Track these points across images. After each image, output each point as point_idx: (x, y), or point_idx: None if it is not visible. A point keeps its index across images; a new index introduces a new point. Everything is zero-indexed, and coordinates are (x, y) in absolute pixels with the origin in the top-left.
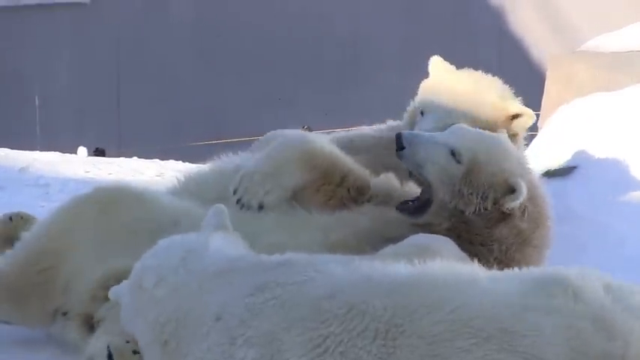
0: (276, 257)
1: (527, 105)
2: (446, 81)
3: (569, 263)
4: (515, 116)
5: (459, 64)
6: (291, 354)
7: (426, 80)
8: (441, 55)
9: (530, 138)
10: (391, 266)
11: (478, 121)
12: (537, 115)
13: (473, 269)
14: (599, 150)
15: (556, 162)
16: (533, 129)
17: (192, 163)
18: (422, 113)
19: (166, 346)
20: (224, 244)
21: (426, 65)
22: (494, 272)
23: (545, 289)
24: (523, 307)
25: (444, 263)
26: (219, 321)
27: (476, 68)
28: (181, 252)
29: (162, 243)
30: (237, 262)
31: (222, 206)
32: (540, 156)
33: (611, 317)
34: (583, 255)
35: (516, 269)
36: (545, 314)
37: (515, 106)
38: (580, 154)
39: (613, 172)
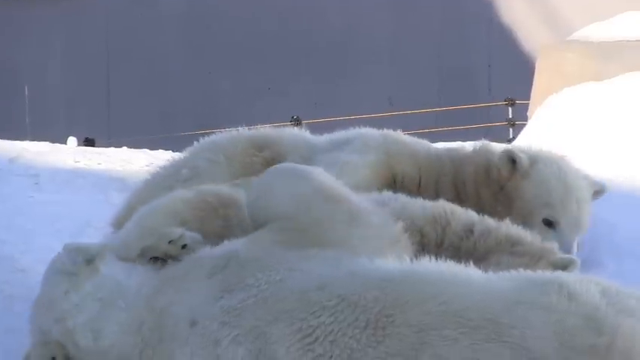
0: (209, 254)
1: (516, 94)
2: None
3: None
4: None
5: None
6: (280, 345)
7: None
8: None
9: (520, 127)
10: (380, 262)
11: None
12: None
13: (468, 269)
14: (588, 139)
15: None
16: (523, 118)
17: (182, 152)
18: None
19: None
20: (112, 267)
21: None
22: (490, 273)
23: (540, 287)
24: (515, 301)
25: (438, 262)
26: (195, 326)
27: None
28: (90, 296)
29: (44, 299)
30: (169, 271)
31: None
32: (530, 145)
33: (602, 317)
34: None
35: (513, 272)
36: (537, 309)
37: None
38: (569, 143)
39: (602, 161)
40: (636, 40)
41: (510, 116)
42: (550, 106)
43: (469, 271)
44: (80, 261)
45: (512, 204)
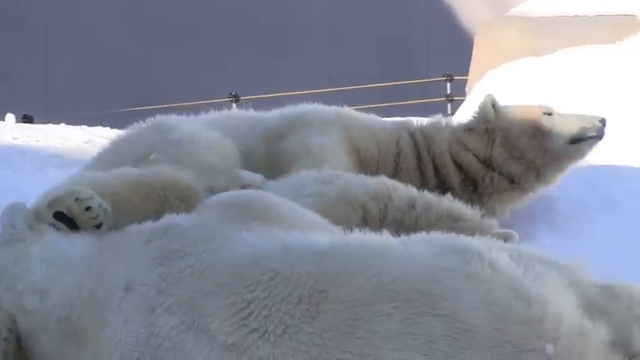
0: (150, 224)
1: (455, 70)
2: None
3: (503, 226)
4: None
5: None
6: (214, 318)
7: None
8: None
9: (458, 102)
10: (311, 235)
11: None
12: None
13: (383, 236)
14: None
15: None
16: (461, 93)
17: (121, 129)
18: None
19: (69, 325)
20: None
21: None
22: (402, 237)
23: (460, 255)
24: (440, 269)
25: (359, 233)
26: (129, 291)
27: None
28: (38, 259)
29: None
30: (110, 237)
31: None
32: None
33: (526, 286)
34: (515, 215)
35: (425, 234)
36: (464, 278)
37: None
38: None
39: None
40: (574, 16)
41: (449, 92)
42: (488, 82)
43: (389, 240)
44: (22, 225)
45: (511, 143)
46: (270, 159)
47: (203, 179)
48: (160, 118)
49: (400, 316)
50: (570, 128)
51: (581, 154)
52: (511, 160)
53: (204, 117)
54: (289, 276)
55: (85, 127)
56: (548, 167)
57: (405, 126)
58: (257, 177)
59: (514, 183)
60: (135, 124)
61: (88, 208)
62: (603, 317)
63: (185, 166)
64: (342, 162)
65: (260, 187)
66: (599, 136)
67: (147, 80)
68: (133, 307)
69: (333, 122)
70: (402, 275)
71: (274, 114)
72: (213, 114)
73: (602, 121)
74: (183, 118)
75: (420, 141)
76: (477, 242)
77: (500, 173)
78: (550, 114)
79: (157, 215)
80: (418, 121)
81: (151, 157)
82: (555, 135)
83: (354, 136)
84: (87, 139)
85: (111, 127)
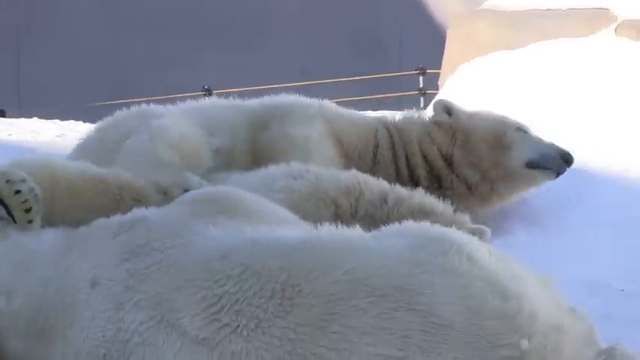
0: (118, 218)
1: (428, 64)
2: None
3: (475, 221)
4: None
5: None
6: (185, 313)
7: None
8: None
9: (431, 96)
10: (280, 230)
11: None
12: (438, 74)
13: (355, 231)
14: (498, 107)
15: None
16: (434, 87)
17: (94, 123)
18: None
19: (36, 324)
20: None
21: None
22: (374, 231)
23: (438, 246)
24: (416, 264)
25: (331, 227)
26: (96, 286)
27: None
28: (4, 259)
29: None
30: (77, 232)
31: None
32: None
33: (504, 282)
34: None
35: (398, 225)
36: (440, 273)
37: None
38: None
39: None
40: (547, 9)
41: (421, 85)
42: (461, 75)
43: (361, 234)
44: None
45: (470, 146)
46: (256, 147)
47: (151, 175)
48: (148, 106)
49: (375, 311)
50: (532, 152)
51: (534, 181)
52: (468, 166)
53: (190, 105)
54: (260, 270)
55: (58, 121)
56: (502, 183)
57: (381, 120)
58: (199, 184)
59: (471, 190)
60: (118, 112)
61: (17, 192)
62: (579, 314)
63: (146, 158)
64: (328, 154)
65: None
66: (557, 172)
67: (119, 75)
68: (100, 302)
69: (315, 114)
70: (378, 270)
71: (255, 102)
72: (198, 102)
73: (568, 160)
74: (171, 108)
75: (395, 135)
76: (455, 233)
77: (458, 177)
78: (524, 132)
79: (112, 213)
80: (392, 115)
81: (127, 141)
82: (515, 152)
83: (337, 129)
84: (59, 133)
85: (83, 122)
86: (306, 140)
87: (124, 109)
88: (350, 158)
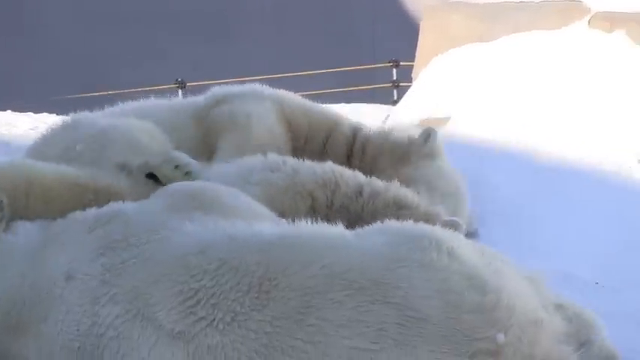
0: (95, 211)
1: (401, 56)
2: None
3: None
4: None
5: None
6: (161, 307)
7: None
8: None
9: (404, 88)
10: (257, 225)
11: None
12: (411, 66)
13: (335, 228)
14: (472, 100)
15: (431, 112)
16: (408, 79)
17: (67, 116)
18: None
19: (11, 319)
20: None
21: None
22: (357, 230)
23: (418, 243)
24: (395, 259)
25: (308, 224)
26: (71, 280)
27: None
28: None
29: None
30: (54, 227)
31: None
32: (415, 106)
33: (484, 276)
34: None
35: (380, 224)
36: (418, 267)
37: None
38: (453, 104)
39: (486, 122)
40: (520, 2)
41: (395, 78)
42: (435, 68)
43: (342, 231)
44: None
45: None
46: (199, 138)
47: (138, 157)
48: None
49: (351, 304)
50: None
51: None
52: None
53: (122, 107)
54: (237, 265)
55: (31, 113)
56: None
57: (353, 124)
58: (192, 161)
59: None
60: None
61: None
62: (559, 309)
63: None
64: (273, 131)
65: (194, 171)
66: None
67: (92, 67)
68: (75, 296)
69: (268, 94)
70: (356, 265)
71: (199, 97)
72: (132, 104)
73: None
74: (104, 111)
75: (359, 140)
76: (437, 230)
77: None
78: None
79: None
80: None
81: (77, 147)
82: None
83: (286, 109)
84: (33, 126)
85: (57, 114)
86: (248, 117)
87: (96, 103)
88: (296, 139)
